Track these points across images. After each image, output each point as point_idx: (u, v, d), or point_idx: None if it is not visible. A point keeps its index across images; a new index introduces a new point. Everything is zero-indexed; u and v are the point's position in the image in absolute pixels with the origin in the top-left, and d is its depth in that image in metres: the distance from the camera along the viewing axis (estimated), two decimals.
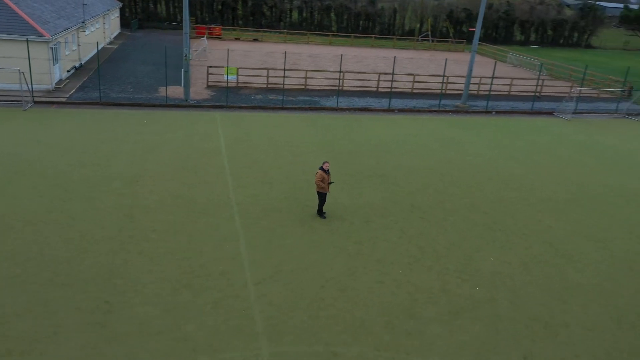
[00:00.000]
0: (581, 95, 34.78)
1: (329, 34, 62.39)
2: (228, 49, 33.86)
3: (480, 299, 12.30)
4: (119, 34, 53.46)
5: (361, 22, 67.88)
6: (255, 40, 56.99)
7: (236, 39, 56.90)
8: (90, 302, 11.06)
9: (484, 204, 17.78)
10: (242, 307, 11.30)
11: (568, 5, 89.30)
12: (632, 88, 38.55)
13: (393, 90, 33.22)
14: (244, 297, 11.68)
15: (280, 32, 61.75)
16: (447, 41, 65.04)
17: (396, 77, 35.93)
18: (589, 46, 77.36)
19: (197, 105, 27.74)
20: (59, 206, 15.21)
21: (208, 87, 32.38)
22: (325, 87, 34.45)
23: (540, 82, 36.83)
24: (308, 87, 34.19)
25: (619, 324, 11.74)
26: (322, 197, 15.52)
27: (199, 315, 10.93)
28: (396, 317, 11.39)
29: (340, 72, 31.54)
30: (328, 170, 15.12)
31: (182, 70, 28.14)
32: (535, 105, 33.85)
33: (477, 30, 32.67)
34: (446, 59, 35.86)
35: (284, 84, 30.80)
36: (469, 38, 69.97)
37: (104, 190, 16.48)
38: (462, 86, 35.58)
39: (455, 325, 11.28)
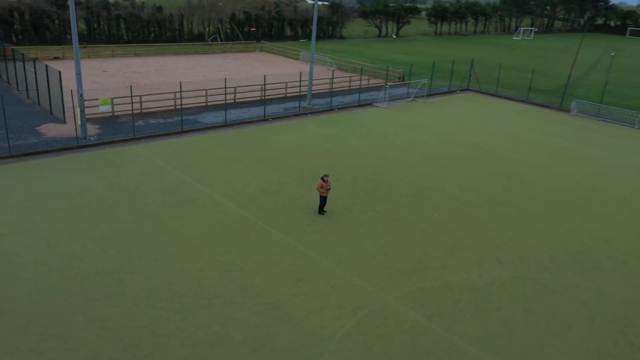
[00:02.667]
0: (377, 85, 45.77)
1: (134, 45, 62.20)
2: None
3: (455, 239, 20.13)
4: None
5: (152, 30, 68.85)
6: (56, 58, 53.77)
7: (35, 58, 52.55)
8: (257, 307, 15.11)
9: (400, 182, 25.70)
10: (346, 281, 16.77)
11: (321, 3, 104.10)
12: (404, 77, 51.78)
13: (245, 100, 38.54)
14: (339, 275, 17.09)
15: (83, 47, 58.91)
16: (240, 43, 71.38)
17: (247, 89, 41.30)
18: (342, 37, 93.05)
19: (106, 142, 28.71)
20: (131, 255, 17.43)
21: (86, 120, 32.49)
22: (193, 105, 37.75)
23: (349, 78, 46.73)
24: (177, 106, 36.96)
25: (524, 237, 21.00)
26: (322, 199, 21.16)
27: (328, 292, 16.05)
28: (427, 261, 18.38)
29: (225, 88, 35.48)
30: (327, 180, 20.82)
31: (79, 109, 28.55)
32: (355, 98, 43.48)
33: (313, 37, 40.09)
34: (290, 72, 42.65)
35: (182, 105, 33.35)
36: (251, 38, 77.48)
37: (146, 234, 18.88)
38: (277, 90, 43.06)
39: (458, 257, 18.82)
